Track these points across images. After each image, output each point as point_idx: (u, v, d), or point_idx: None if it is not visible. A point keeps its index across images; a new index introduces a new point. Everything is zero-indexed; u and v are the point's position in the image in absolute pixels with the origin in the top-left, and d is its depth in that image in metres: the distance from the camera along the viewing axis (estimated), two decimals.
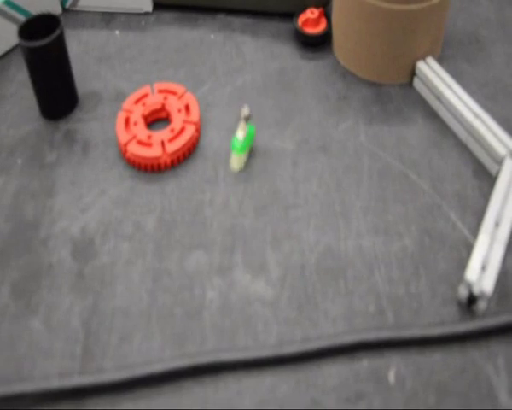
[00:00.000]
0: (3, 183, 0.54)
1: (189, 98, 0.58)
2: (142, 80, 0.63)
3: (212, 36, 0.67)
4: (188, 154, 0.56)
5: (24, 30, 0.56)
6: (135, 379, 0.42)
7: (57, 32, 0.56)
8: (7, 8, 0.64)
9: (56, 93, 0.59)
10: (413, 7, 0.55)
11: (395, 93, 0.60)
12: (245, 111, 0.51)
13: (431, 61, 0.59)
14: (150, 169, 0.55)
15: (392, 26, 0.57)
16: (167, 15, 0.70)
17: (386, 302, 0.46)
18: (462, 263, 0.48)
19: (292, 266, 0.48)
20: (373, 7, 0.56)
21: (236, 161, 0.54)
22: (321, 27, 0.65)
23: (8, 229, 0.51)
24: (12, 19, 0.65)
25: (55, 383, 0.42)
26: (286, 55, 0.64)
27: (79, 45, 0.67)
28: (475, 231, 0.50)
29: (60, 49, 0.57)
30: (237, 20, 0.69)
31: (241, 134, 0.52)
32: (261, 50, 0.65)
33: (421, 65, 0.59)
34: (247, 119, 0.52)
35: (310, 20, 0.64)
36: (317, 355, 0.43)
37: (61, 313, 0.46)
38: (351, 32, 0.60)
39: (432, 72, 0.58)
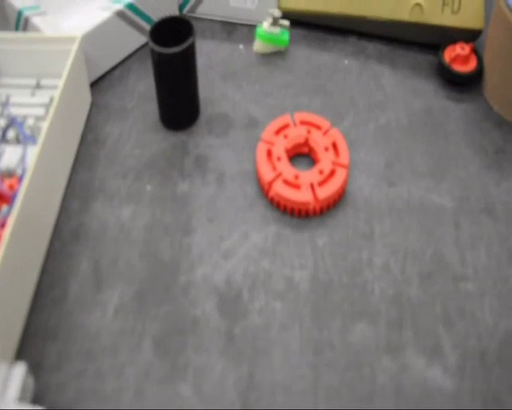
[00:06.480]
0: (133, 213, 0.49)
1: (336, 135, 0.53)
2: (274, 106, 0.57)
3: (346, 62, 0.62)
4: (338, 200, 0.50)
5: (153, 33, 0.51)
6: None
7: (190, 40, 0.50)
8: (128, 13, 0.58)
9: (181, 103, 0.54)
10: None
11: None
12: (275, 13, 0.59)
13: None
14: (296, 214, 0.50)
15: None
16: (293, 32, 0.64)
17: None
18: None
19: (470, 351, 0.43)
20: None
21: (259, 45, 0.61)
22: (471, 66, 0.59)
23: (144, 268, 0.46)
24: (132, 23, 0.59)
25: None
26: (430, 92, 0.59)
27: (201, 57, 0.62)
28: None
29: (191, 57, 0.52)
30: (371, 46, 0.63)
31: (266, 25, 0.60)
32: (401, 85, 0.60)
33: None
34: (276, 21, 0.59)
35: (459, 57, 0.59)
36: None
37: (212, 381, 0.41)
38: None
39: None
